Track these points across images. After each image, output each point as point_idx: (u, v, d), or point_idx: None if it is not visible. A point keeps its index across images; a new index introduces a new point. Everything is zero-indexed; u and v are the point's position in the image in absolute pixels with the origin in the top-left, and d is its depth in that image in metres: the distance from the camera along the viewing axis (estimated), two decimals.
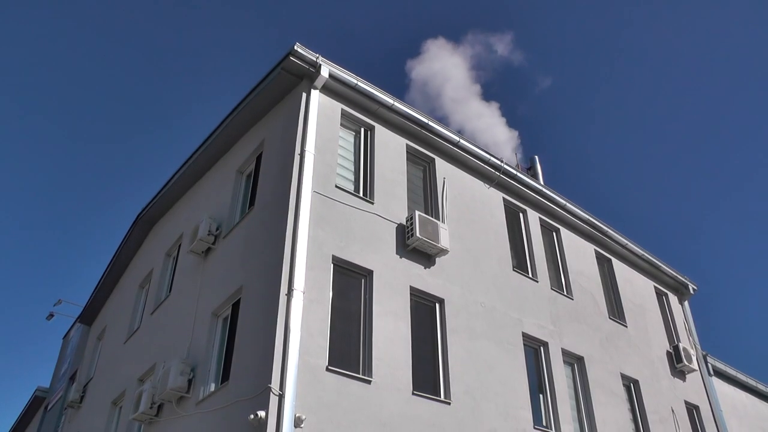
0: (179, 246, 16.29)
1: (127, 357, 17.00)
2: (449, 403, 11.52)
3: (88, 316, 23.61)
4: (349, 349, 10.80)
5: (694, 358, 19.33)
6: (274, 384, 9.34)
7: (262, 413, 9.15)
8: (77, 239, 75.91)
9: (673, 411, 17.59)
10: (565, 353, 14.98)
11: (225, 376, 11.31)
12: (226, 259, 12.93)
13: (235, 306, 11.96)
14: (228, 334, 11.99)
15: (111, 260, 20.93)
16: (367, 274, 11.66)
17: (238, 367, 10.75)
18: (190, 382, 12.04)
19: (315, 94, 12.55)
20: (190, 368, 12.17)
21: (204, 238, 13.46)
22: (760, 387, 23.46)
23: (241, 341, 11.01)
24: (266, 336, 9.97)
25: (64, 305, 29.25)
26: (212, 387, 11.60)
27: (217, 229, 13.64)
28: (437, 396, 11.49)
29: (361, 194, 12.60)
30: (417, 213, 12.53)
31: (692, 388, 19.16)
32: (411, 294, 12.11)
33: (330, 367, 10.10)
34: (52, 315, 25.42)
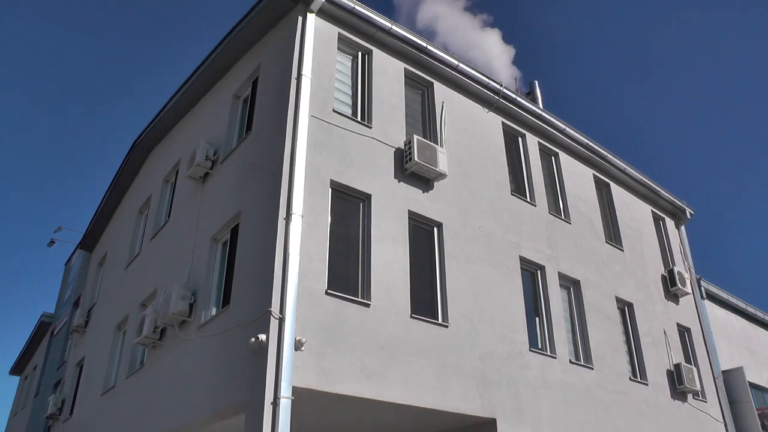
0: (177, 172, 16.28)
1: (129, 282, 17.21)
2: (447, 326, 11.73)
3: (89, 242, 23.78)
4: (347, 273, 10.92)
5: (687, 282, 19.59)
6: (274, 308, 9.49)
7: (262, 336, 9.34)
8: (75, 167, 75.78)
9: (665, 333, 17.93)
10: (562, 277, 15.16)
11: (225, 300, 11.48)
12: (224, 184, 12.94)
13: (234, 231, 12.03)
14: (228, 259, 12.11)
15: (109, 187, 20.96)
16: (366, 198, 11.68)
17: (238, 292, 10.90)
18: (191, 306, 12.23)
19: (311, 18, 12.29)
20: (191, 293, 12.34)
21: (201, 164, 13.43)
22: (750, 310, 23.86)
23: (241, 266, 11.12)
24: (265, 260, 10.07)
25: (64, 232, 29.44)
26: (213, 311, 11.79)
27: (215, 155, 13.60)
28: (435, 319, 11.68)
29: (358, 119, 12.50)
30: (415, 137, 12.46)
31: (685, 311, 19.49)
32: (409, 218, 12.16)
33: (329, 291, 10.23)
34: (53, 242, 25.59)
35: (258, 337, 9.33)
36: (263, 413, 8.92)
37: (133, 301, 15.99)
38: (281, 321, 9.40)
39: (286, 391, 9.10)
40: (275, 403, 9.00)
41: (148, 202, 17.87)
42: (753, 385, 21.11)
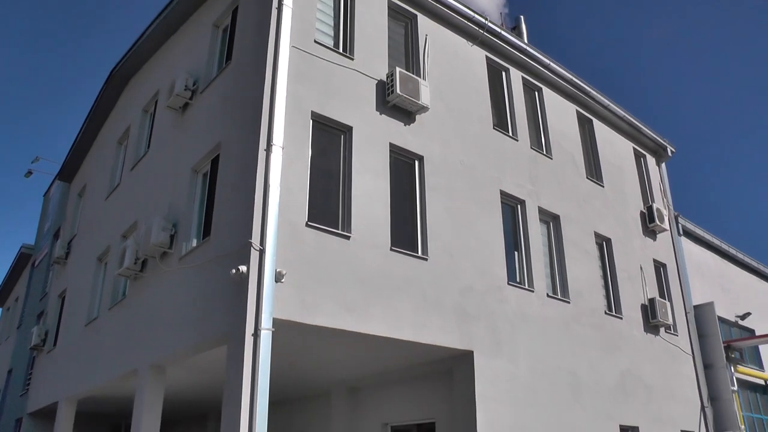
0: (156, 102, 16.03)
1: (109, 213, 17.13)
2: (426, 260, 11.82)
3: (67, 173, 23.54)
4: (328, 206, 10.91)
5: (666, 219, 19.83)
6: (255, 239, 9.49)
7: (243, 268, 9.36)
8: (52, 96, 74.34)
9: (641, 269, 18.24)
10: (542, 212, 15.26)
11: (206, 231, 11.47)
12: (204, 115, 12.77)
13: (215, 162, 11.94)
14: (208, 190, 12.04)
15: (87, 117, 20.63)
16: (347, 130, 11.58)
17: (218, 223, 10.88)
18: (172, 237, 12.21)
19: None
20: (172, 224, 12.31)
21: (181, 94, 13.21)
22: (724, 247, 24.27)
23: (221, 197, 11.07)
24: (246, 192, 10.02)
25: (42, 163, 29.08)
26: (194, 243, 11.79)
27: (194, 85, 13.37)
28: (415, 252, 11.76)
29: (340, 50, 12.27)
30: (398, 70, 12.29)
31: (661, 247, 19.78)
32: (390, 151, 12.10)
33: (309, 223, 10.23)
34: (30, 172, 25.29)
35: (239, 269, 9.35)
36: (244, 345, 9.02)
37: (114, 233, 15.95)
38: (262, 253, 9.41)
39: (266, 323, 9.18)
40: (256, 335, 9.09)
41: (127, 133, 17.63)
42: (721, 320, 21.65)
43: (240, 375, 8.93)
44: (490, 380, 12.26)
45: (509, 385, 12.62)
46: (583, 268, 15.80)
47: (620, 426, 15.37)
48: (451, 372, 12.69)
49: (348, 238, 10.66)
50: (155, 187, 14.05)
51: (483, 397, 12.00)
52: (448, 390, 12.91)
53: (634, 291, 17.56)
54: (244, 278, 9.36)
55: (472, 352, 12.09)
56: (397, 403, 14.36)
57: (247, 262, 9.40)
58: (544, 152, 16.15)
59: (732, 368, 20.36)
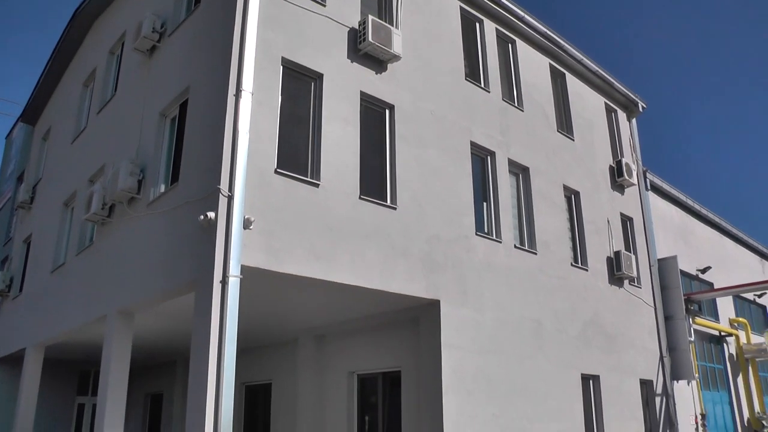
0: (122, 44, 15.66)
1: (76, 157, 16.86)
2: (395, 209, 11.86)
3: (31, 115, 23.02)
4: (297, 153, 10.84)
5: (634, 173, 20.07)
6: (223, 185, 9.42)
7: (211, 214, 9.29)
8: (13, 36, 72.20)
9: (608, 222, 18.51)
10: (512, 163, 15.34)
11: (174, 177, 11.35)
12: (173, 58, 12.52)
13: (183, 106, 11.75)
14: (176, 135, 11.88)
15: (50, 58, 20.12)
16: (317, 77, 11.44)
17: (187, 169, 10.77)
18: (140, 183, 12.09)
19: None
20: (140, 169, 12.17)
21: (148, 36, 12.92)
22: (689, 202, 24.71)
23: (190, 142, 10.94)
24: (214, 137, 9.91)
25: (3, 104, 28.31)
26: (162, 188, 11.68)
27: (162, 27, 13.07)
28: (383, 201, 11.78)
29: None
30: (370, 17, 12.11)
31: (629, 201, 20.07)
32: (361, 99, 12.01)
33: (278, 170, 10.17)
34: None
35: (207, 215, 9.28)
36: (212, 292, 9.02)
37: (81, 177, 15.73)
38: (230, 199, 9.35)
39: (235, 270, 9.17)
40: (224, 282, 9.09)
41: (93, 75, 17.24)
42: (683, 273, 22.18)
43: (208, 322, 8.96)
44: (456, 329, 12.46)
45: (474, 334, 12.84)
46: (550, 220, 15.98)
47: (582, 374, 15.78)
48: (417, 321, 12.87)
49: (317, 185, 10.63)
50: (122, 131, 13.83)
51: (448, 346, 12.21)
52: (414, 339, 13.11)
53: (601, 244, 17.85)
54: (212, 225, 9.30)
55: (439, 301, 12.25)
56: (363, 352, 14.55)
57: (215, 209, 9.33)
58: (516, 104, 16.16)
59: (690, 320, 20.93)
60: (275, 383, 17.04)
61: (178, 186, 10.86)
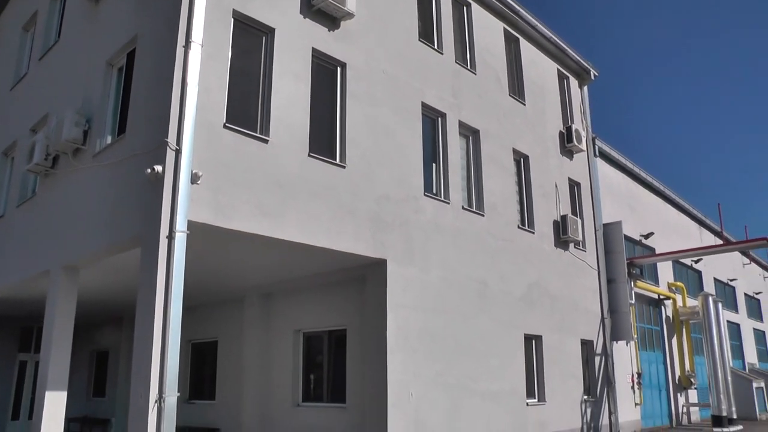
0: None
1: (16, 105, 16.32)
2: (344, 167, 11.85)
3: None
4: (247, 108, 10.70)
5: (583, 140, 20.41)
6: (171, 139, 9.26)
7: (158, 167, 9.13)
8: None
9: (556, 186, 18.83)
10: (462, 125, 15.43)
11: (121, 128, 11.11)
12: (120, 6, 12.13)
13: (131, 56, 11.44)
14: (124, 86, 11.58)
15: None
16: (269, 32, 11.26)
17: (134, 120, 10.55)
18: (85, 133, 11.79)
19: None
20: (85, 119, 11.85)
21: None
22: (636, 170, 25.30)
23: (137, 93, 10.68)
24: (163, 89, 9.70)
25: None
26: (108, 140, 11.43)
27: None
28: (333, 159, 11.76)
29: None
30: None
31: (577, 166, 20.42)
32: (313, 56, 11.87)
33: (228, 125, 10.04)
34: None
35: (154, 169, 9.13)
36: (159, 247, 8.92)
37: (22, 126, 15.24)
38: (178, 153, 9.21)
39: (181, 225, 9.07)
40: (171, 237, 8.98)
41: (35, 19, 16.56)
42: (627, 238, 22.79)
43: (154, 278, 8.87)
44: (402, 288, 12.62)
45: (420, 293, 13.03)
46: (499, 183, 16.18)
47: (525, 334, 16.19)
48: (363, 280, 12.98)
49: (266, 141, 10.55)
50: (67, 80, 13.43)
51: (394, 305, 12.37)
52: (360, 297, 13.24)
53: (548, 207, 18.17)
54: (160, 178, 9.17)
55: (386, 260, 12.36)
56: (309, 310, 14.65)
57: (162, 162, 9.19)
58: (468, 67, 16.19)
59: (632, 283, 21.60)
60: (221, 341, 17.07)
61: (125, 138, 10.65)
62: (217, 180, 9.74)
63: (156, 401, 8.53)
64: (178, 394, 8.80)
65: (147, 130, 9.98)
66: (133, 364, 9.09)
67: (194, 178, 9.33)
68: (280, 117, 10.87)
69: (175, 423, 8.65)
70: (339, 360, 14.04)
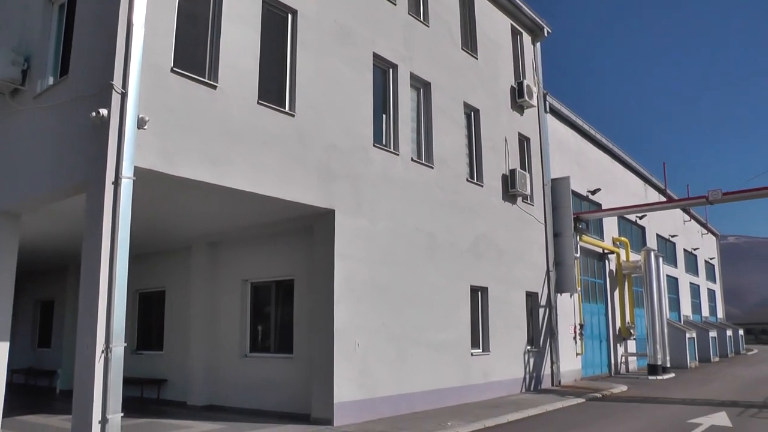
0: None
1: None
2: (293, 116, 11.77)
3: None
4: (195, 53, 10.48)
5: (534, 96, 20.61)
6: (117, 81, 9.03)
7: (104, 111, 8.93)
8: None
9: (506, 141, 19.03)
10: (413, 77, 15.42)
11: (64, 69, 10.76)
12: None
13: None
14: (66, 24, 11.17)
15: None
16: None
17: (77, 61, 10.22)
18: (24, 73, 11.37)
19: None
20: (24, 58, 11.40)
21: None
22: (585, 127, 25.70)
23: (80, 33, 10.31)
24: (107, 29, 9.38)
25: None
26: (50, 81, 11.08)
27: None
28: (282, 107, 11.66)
29: None
30: None
31: (527, 121, 20.64)
32: (263, 1, 11.64)
33: (175, 69, 9.83)
34: None
35: (99, 112, 8.91)
36: (104, 193, 8.76)
37: None
38: (124, 96, 9.01)
39: (128, 171, 8.92)
40: (116, 183, 8.82)
41: None
42: (574, 193, 23.25)
43: (99, 225, 8.75)
44: (350, 239, 12.72)
45: (368, 244, 13.15)
46: (449, 136, 16.29)
47: (471, 286, 16.51)
48: (311, 230, 13.04)
49: (214, 87, 10.39)
50: (2, 16, 12.88)
51: (341, 255, 12.48)
52: (307, 248, 13.30)
53: (497, 161, 18.39)
54: (105, 122, 8.96)
55: (334, 210, 12.42)
56: (257, 260, 14.67)
57: (107, 106, 8.97)
58: (421, 19, 16.11)
59: (577, 237, 22.11)
60: (169, 290, 17.01)
61: (68, 79, 10.32)
62: (164, 125, 9.59)
63: (103, 351, 8.49)
64: (125, 344, 8.76)
65: (91, 71, 9.71)
66: (79, 313, 8.98)
67: (141, 123, 9.16)
68: (229, 63, 10.70)
69: (122, 373, 8.63)
70: (286, 310, 14.15)
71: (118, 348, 8.61)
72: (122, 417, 8.65)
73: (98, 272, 8.63)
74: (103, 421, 8.43)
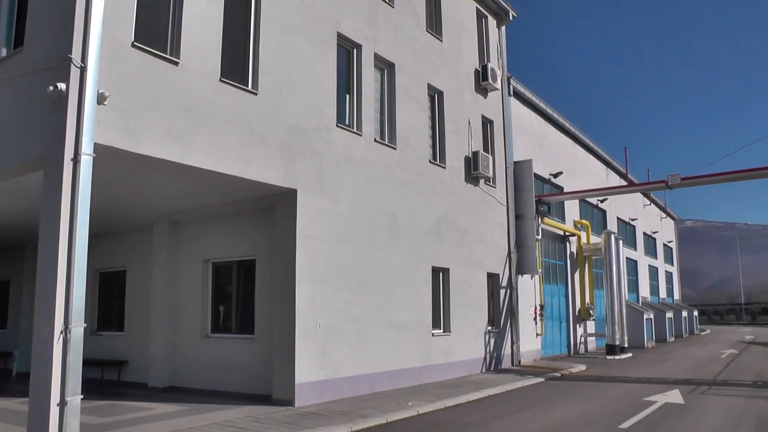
0: None
1: None
2: (256, 94, 11.69)
3: None
4: (157, 28, 10.31)
5: (498, 79, 20.73)
6: (75, 55, 8.80)
7: (62, 85, 8.71)
8: None
9: (469, 123, 19.15)
10: (378, 58, 15.41)
11: (19, 40, 10.47)
12: None
13: None
14: None
15: None
16: None
17: (33, 32, 9.92)
18: None
19: None
20: None
21: None
22: (548, 111, 25.95)
23: (36, 2, 10.01)
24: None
25: None
26: (3, 52, 10.78)
27: None
28: (244, 85, 11.56)
29: None
30: None
31: (491, 104, 20.78)
32: None
33: (136, 44, 9.67)
34: None
35: (57, 86, 8.68)
36: (63, 170, 8.58)
37: None
38: (83, 70, 8.81)
39: (87, 148, 8.74)
40: (76, 160, 8.65)
41: None
42: (537, 176, 23.52)
43: (58, 203, 8.58)
44: (312, 218, 12.73)
45: (330, 224, 13.18)
46: (412, 117, 16.34)
47: (432, 267, 16.65)
48: (273, 209, 13.01)
49: (176, 64, 10.26)
50: None
51: (303, 235, 12.49)
52: (269, 227, 13.28)
53: (460, 143, 18.50)
54: (63, 97, 8.75)
55: (296, 190, 12.41)
56: (219, 240, 14.59)
57: (66, 80, 8.76)
58: (386, 0, 16.06)
59: (539, 220, 22.38)
60: (130, 270, 16.84)
61: (23, 51, 10.02)
62: (124, 101, 9.44)
63: (61, 332, 8.34)
64: (85, 325, 8.62)
65: (48, 43, 9.46)
66: (36, 294, 8.84)
67: (101, 99, 8.99)
68: (191, 39, 10.57)
69: (81, 355, 8.51)
70: (248, 291, 14.11)
71: (78, 329, 8.46)
72: (82, 399, 8.52)
73: (56, 251, 8.47)
74: (62, 404, 8.29)
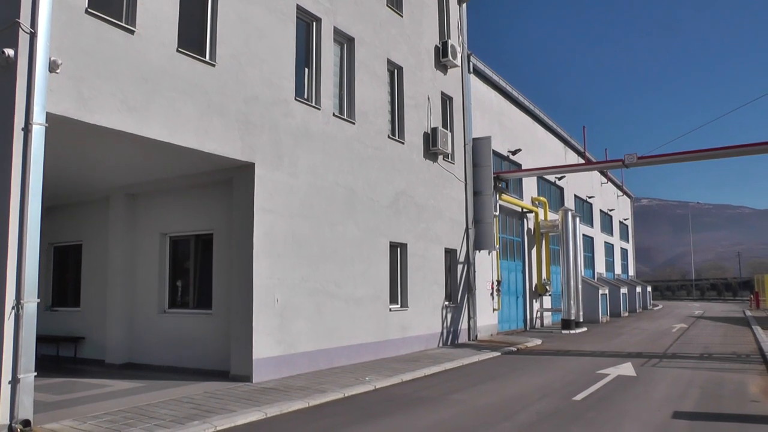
0: None
1: None
2: (213, 65, 11.55)
3: None
4: None
5: (458, 56, 20.77)
6: (24, 19, 8.52)
7: (10, 51, 8.44)
8: None
9: (428, 99, 19.20)
10: (337, 32, 15.32)
11: None
12: None
13: None
14: None
15: None
16: None
17: None
18: None
19: None
20: None
21: None
22: (508, 88, 26.14)
23: None
24: None
25: None
26: None
27: None
28: (202, 56, 11.41)
29: None
30: None
31: (451, 81, 20.84)
32: None
33: (90, 10, 9.43)
34: None
35: (5, 52, 8.43)
36: (13, 140, 8.37)
37: None
38: (33, 36, 8.57)
39: (39, 117, 8.54)
40: (27, 130, 8.44)
41: None
42: (495, 153, 23.74)
43: (8, 175, 8.37)
44: (269, 192, 12.69)
45: (287, 198, 13.15)
46: (371, 92, 16.32)
47: (390, 242, 16.75)
48: (230, 183, 12.94)
49: (132, 32, 10.07)
50: None
51: (261, 209, 12.45)
52: (227, 201, 13.23)
53: (419, 119, 18.56)
54: (12, 64, 8.51)
55: (254, 163, 12.34)
56: (176, 213, 14.46)
57: (15, 46, 8.51)
58: None
59: (497, 196, 22.63)
60: (86, 244, 16.57)
61: None
62: (78, 69, 9.24)
63: (13, 308, 8.20)
64: (39, 300, 8.50)
65: None
66: None
67: (53, 66, 8.78)
68: (147, 7, 10.37)
69: (35, 331, 8.40)
70: (206, 265, 14.04)
71: (31, 304, 8.33)
72: (36, 377, 8.42)
73: (7, 224, 8.27)
74: (14, 381, 8.17)
